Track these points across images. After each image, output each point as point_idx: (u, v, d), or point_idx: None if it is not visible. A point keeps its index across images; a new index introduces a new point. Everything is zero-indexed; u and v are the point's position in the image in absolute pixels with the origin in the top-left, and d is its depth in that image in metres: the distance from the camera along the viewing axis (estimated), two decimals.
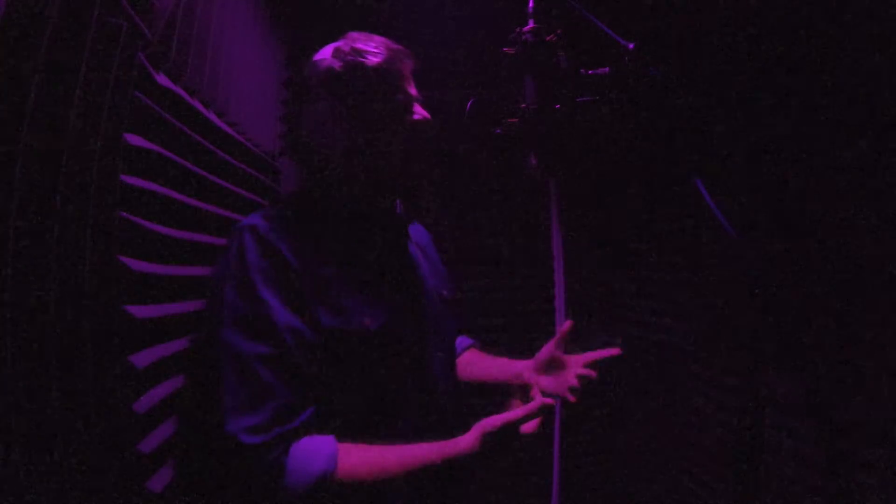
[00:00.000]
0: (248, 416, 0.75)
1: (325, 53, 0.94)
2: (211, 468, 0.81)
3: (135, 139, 0.70)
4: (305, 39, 1.63)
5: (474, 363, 1.21)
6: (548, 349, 1.07)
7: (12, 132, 0.50)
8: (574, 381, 0.98)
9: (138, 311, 0.69)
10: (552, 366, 1.06)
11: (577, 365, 1.01)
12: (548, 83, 0.94)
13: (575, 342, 1.06)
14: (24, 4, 0.50)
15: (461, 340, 1.27)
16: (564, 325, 1.06)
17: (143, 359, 0.70)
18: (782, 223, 1.21)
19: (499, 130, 0.97)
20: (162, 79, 0.81)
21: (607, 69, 0.87)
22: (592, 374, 0.99)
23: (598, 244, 2.02)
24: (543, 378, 1.05)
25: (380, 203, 1.01)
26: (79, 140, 0.58)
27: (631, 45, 0.82)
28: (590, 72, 0.90)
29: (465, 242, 1.96)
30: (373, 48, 0.93)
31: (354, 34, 0.95)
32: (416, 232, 1.15)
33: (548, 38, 0.94)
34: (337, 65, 0.92)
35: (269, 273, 0.82)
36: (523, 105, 0.98)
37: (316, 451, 0.77)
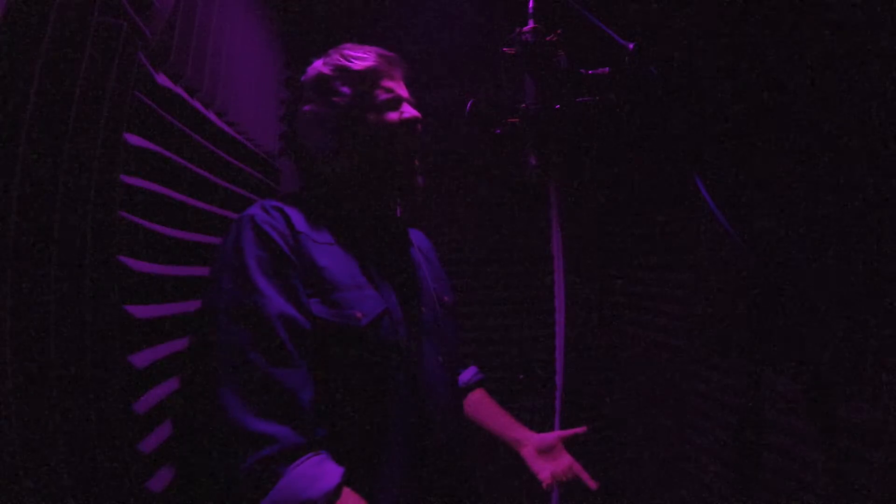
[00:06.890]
0: (248, 404, 0.75)
1: (318, 62, 1.01)
2: (210, 465, 0.80)
3: (135, 139, 0.70)
4: (305, 40, 1.63)
5: (482, 406, 1.25)
6: (553, 438, 1.15)
7: (12, 132, 0.50)
8: (565, 469, 1.10)
9: (138, 311, 0.69)
10: (549, 450, 1.14)
11: (567, 455, 1.13)
12: (548, 83, 0.94)
13: (574, 341, 1.07)
14: (24, 4, 0.50)
15: (473, 371, 1.29)
16: (581, 429, 1.17)
17: (143, 359, 0.70)
18: (782, 222, 1.21)
19: (499, 130, 0.97)
20: (162, 79, 0.81)
21: (607, 69, 0.87)
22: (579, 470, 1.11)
23: (598, 244, 2.02)
24: (539, 461, 1.13)
25: (376, 204, 1.01)
26: (79, 140, 0.58)
27: (631, 45, 0.82)
28: (590, 72, 0.90)
29: (465, 242, 1.96)
30: (361, 54, 0.98)
31: (348, 45, 1.01)
32: (417, 237, 1.16)
33: (548, 38, 0.94)
34: (326, 69, 0.98)
35: (263, 261, 0.83)
36: (523, 105, 0.98)
37: (323, 471, 0.76)
